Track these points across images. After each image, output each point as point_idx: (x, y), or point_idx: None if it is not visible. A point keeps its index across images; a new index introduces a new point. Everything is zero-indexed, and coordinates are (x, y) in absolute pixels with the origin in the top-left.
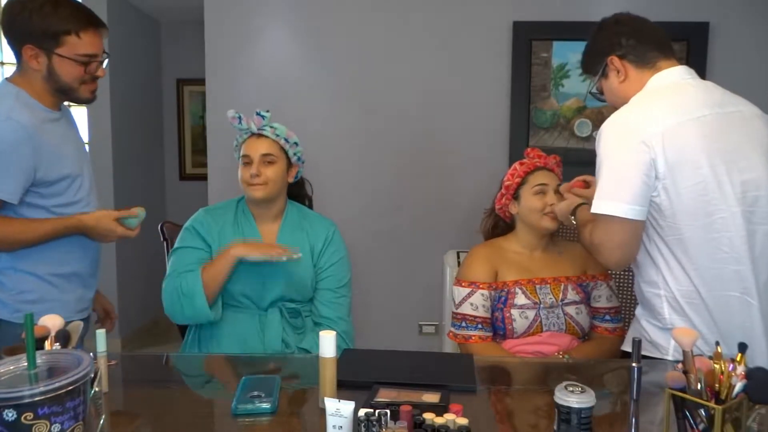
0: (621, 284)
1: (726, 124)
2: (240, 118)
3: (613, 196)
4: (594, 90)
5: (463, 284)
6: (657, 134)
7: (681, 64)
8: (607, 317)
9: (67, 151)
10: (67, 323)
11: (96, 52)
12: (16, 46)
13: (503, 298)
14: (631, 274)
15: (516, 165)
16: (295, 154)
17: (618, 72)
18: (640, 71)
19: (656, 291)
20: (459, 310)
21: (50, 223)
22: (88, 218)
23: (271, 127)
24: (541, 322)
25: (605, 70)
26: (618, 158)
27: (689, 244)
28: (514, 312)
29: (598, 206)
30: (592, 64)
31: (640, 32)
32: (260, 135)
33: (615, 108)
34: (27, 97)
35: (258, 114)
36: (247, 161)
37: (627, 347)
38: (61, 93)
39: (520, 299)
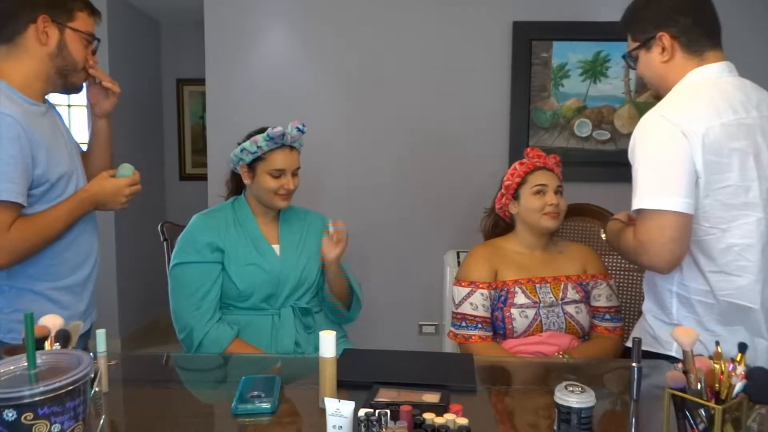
0: (621, 283)
1: (760, 128)
2: (284, 135)
3: (662, 190)
4: (628, 56)
5: (462, 284)
6: (697, 133)
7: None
8: (607, 316)
9: (59, 146)
10: (67, 323)
11: (94, 34)
12: (24, 18)
13: (503, 298)
14: (631, 273)
15: (516, 165)
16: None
17: (663, 50)
18: (686, 57)
19: (669, 286)
20: (459, 310)
21: (63, 207)
22: (90, 186)
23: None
24: (541, 321)
25: (650, 42)
26: (662, 152)
27: (712, 246)
28: (514, 311)
29: (647, 201)
30: (638, 30)
31: (699, 11)
32: (292, 148)
33: (637, 83)
34: (8, 88)
35: (298, 129)
36: (281, 174)
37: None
38: (61, 76)
39: (520, 298)
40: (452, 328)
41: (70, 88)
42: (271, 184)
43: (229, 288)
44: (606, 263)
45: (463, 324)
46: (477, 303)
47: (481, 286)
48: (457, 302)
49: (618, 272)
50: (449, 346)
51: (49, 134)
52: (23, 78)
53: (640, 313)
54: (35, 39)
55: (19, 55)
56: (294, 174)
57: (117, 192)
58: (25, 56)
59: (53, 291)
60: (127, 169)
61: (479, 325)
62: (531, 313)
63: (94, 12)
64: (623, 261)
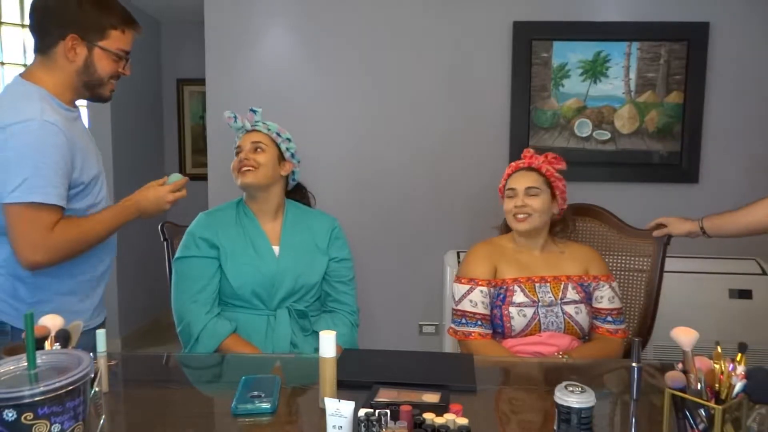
0: (623, 284)
1: None
2: (235, 117)
3: None
4: None
5: (462, 281)
6: None
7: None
8: (609, 318)
9: (91, 150)
10: (66, 323)
11: (130, 50)
12: (55, 35)
13: (502, 296)
14: (632, 274)
15: (508, 167)
16: (288, 149)
17: None
18: None
19: None
20: (459, 307)
21: (108, 213)
22: (135, 194)
23: (264, 123)
24: (539, 320)
25: None
26: None
27: None
28: (512, 310)
29: None
30: None
31: None
32: (254, 130)
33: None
34: (48, 95)
35: (251, 110)
36: (238, 151)
37: None
38: (87, 88)
39: (519, 297)
40: (452, 325)
41: (96, 99)
42: (234, 162)
43: (224, 285)
44: (607, 263)
45: (463, 321)
46: (476, 300)
47: (480, 283)
48: (457, 299)
49: (619, 272)
50: (449, 346)
51: (82, 139)
52: (56, 86)
53: (642, 313)
54: (64, 55)
55: (50, 66)
56: (255, 149)
57: (159, 199)
58: (56, 68)
59: (75, 283)
60: (174, 178)
61: (479, 322)
62: (529, 312)
63: (132, 26)
64: (625, 261)
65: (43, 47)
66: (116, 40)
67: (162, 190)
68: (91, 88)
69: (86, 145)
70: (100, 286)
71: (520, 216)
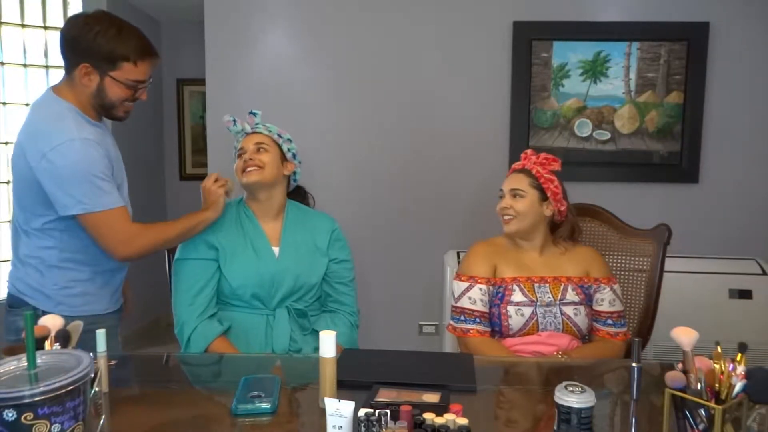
0: (623, 284)
1: None
2: (234, 120)
3: None
4: None
5: (462, 278)
6: None
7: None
8: (609, 321)
9: (117, 159)
10: (66, 323)
11: (145, 78)
12: (73, 61)
13: (500, 295)
14: (632, 274)
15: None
16: (289, 150)
17: None
18: None
19: None
20: (458, 304)
21: (180, 219)
22: (206, 210)
23: (264, 125)
24: (537, 320)
25: None
26: None
27: None
28: (510, 309)
29: None
30: None
31: None
32: (254, 132)
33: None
34: (77, 112)
35: (250, 113)
36: (242, 153)
37: None
38: (101, 108)
39: (517, 296)
40: (452, 322)
41: (111, 118)
42: (238, 164)
43: (223, 285)
44: (607, 263)
45: (462, 318)
46: (475, 297)
47: (479, 281)
48: (456, 296)
49: (619, 272)
50: (449, 346)
51: (111, 149)
52: (80, 104)
53: (642, 312)
54: (79, 79)
55: (73, 86)
56: (259, 150)
57: (208, 192)
58: (76, 89)
59: (94, 272)
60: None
61: (477, 320)
62: (527, 311)
63: (147, 59)
64: (625, 261)
65: (66, 69)
66: (128, 71)
67: (206, 187)
68: (104, 110)
69: (114, 156)
70: (118, 274)
71: (506, 218)
